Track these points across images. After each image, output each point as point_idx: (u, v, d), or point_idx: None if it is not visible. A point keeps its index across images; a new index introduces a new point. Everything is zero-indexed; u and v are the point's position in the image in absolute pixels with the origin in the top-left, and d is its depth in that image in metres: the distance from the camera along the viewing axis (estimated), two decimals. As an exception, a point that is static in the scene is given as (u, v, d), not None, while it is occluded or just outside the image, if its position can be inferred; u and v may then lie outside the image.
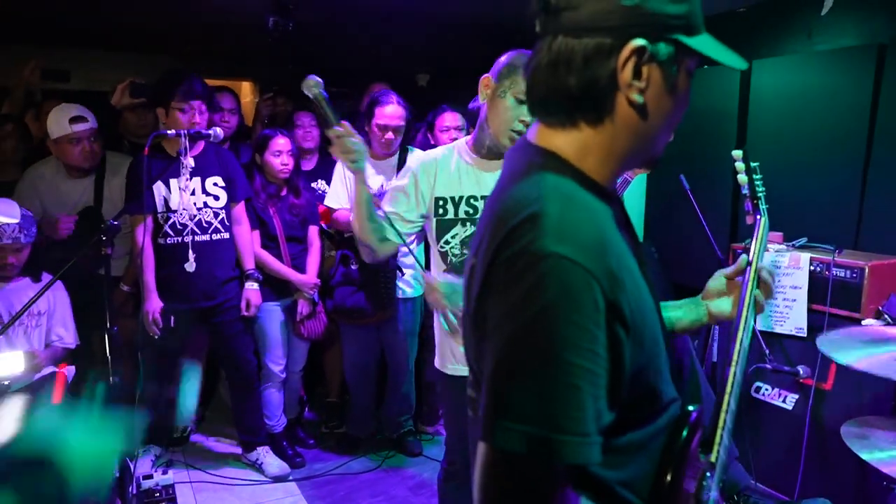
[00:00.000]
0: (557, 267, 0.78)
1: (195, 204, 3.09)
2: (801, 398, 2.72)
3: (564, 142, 0.93)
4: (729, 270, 1.32)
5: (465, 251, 2.03)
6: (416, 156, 2.39)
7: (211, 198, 3.15)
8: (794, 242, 2.92)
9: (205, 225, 3.13)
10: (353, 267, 3.27)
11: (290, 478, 3.31)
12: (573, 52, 0.88)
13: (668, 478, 0.98)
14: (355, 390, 3.56)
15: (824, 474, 2.59)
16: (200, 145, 3.13)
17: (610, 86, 0.88)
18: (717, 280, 1.33)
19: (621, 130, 0.91)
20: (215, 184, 3.16)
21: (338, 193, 3.34)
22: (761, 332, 2.85)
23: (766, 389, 2.85)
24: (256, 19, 3.69)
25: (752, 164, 1.41)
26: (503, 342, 0.81)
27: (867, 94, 2.99)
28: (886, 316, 2.52)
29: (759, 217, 1.40)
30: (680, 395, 1.06)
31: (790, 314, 2.77)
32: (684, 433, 1.00)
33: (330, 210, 3.40)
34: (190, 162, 3.02)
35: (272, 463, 3.33)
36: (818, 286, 2.70)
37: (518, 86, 1.83)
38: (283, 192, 3.41)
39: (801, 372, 2.71)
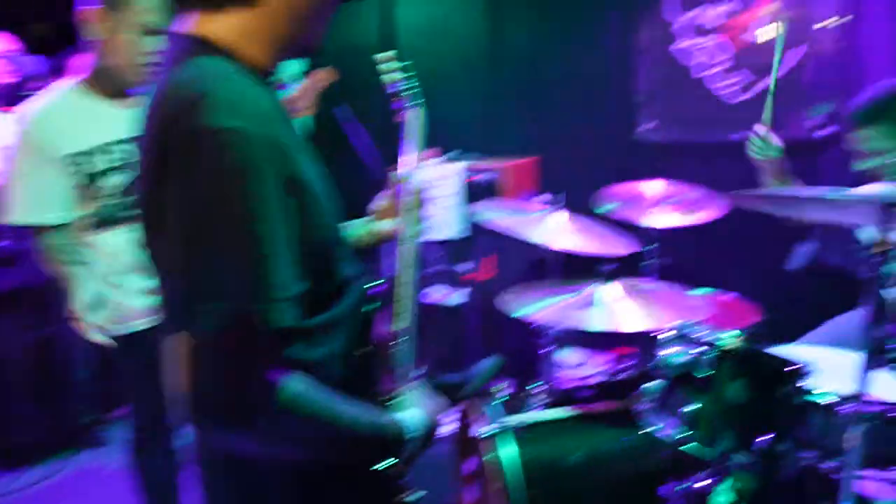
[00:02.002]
0: (231, 140, 0.79)
1: None
2: (465, 292, 3.11)
3: (217, 27, 0.92)
4: (388, 192, 1.47)
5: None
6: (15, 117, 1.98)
7: None
8: (446, 155, 3.28)
9: None
10: (2, 243, 2.76)
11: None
12: None
13: (358, 352, 1.04)
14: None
15: (491, 348, 3.02)
16: None
17: None
18: (380, 202, 1.47)
19: (274, 12, 0.92)
20: None
21: None
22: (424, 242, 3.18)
23: (435, 292, 3.20)
24: None
25: (404, 63, 1.50)
26: (189, 224, 0.80)
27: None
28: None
29: (413, 109, 1.49)
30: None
31: (448, 219, 3.12)
32: (365, 308, 1.07)
33: None
34: None
35: None
36: (468, 190, 3.10)
37: (139, 16, 1.78)
38: None
39: (462, 269, 3.10)
